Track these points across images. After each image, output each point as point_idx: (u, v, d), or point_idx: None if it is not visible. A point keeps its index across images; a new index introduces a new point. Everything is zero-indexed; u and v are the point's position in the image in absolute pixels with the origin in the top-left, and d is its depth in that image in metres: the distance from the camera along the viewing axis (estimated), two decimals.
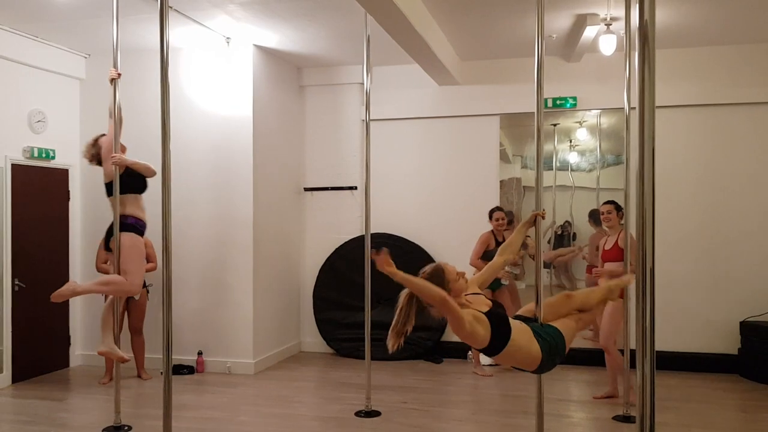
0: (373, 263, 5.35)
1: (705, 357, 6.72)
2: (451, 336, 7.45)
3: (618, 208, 5.54)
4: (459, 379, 6.56)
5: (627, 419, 5.05)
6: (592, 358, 6.82)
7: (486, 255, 6.39)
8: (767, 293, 6.60)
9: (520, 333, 3.08)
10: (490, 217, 6.60)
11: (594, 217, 6.86)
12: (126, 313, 6.41)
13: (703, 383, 6.27)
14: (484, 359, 7.07)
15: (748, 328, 6.47)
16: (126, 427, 4.92)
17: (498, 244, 6.40)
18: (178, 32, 6.26)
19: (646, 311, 1.72)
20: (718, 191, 6.78)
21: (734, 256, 6.70)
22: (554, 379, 6.28)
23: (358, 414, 5.28)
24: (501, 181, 7.39)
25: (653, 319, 1.72)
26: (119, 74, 4.89)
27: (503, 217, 6.51)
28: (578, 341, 7.05)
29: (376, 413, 5.28)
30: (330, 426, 5.05)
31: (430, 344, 7.30)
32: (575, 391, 6.16)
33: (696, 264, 6.57)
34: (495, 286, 6.40)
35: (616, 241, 5.42)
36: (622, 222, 5.41)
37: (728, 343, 6.68)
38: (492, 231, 6.60)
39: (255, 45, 6.71)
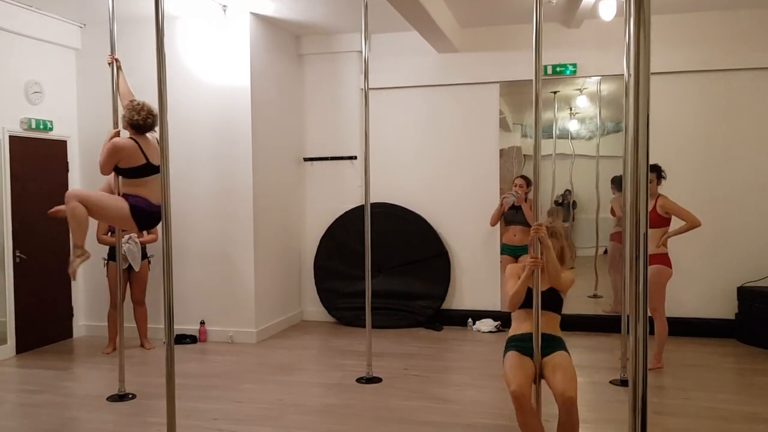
0: (373, 232, 5.40)
1: (703, 322, 6.78)
2: (451, 304, 7.53)
3: (659, 175, 5.54)
4: (459, 346, 6.63)
5: (624, 383, 5.11)
6: (592, 325, 6.89)
7: (505, 217, 6.94)
8: (765, 259, 6.64)
9: None
10: (513, 183, 6.89)
11: (616, 183, 6.85)
12: (128, 284, 6.46)
13: (700, 348, 6.34)
14: (485, 326, 7.15)
15: (745, 293, 6.52)
16: (130, 395, 5.00)
17: (512, 208, 6.80)
18: (174, 0, 6.19)
19: (639, 276, 1.74)
20: (715, 158, 6.77)
21: (732, 221, 6.72)
22: None
23: (359, 380, 5.35)
24: (501, 150, 7.37)
25: (646, 284, 1.74)
26: (116, 59, 4.91)
27: (521, 184, 6.76)
28: (590, 308, 7.13)
29: (378, 379, 5.35)
30: (332, 392, 5.12)
31: (431, 312, 7.37)
32: (573, 356, 6.20)
33: (694, 230, 6.59)
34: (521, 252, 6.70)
35: (654, 207, 5.42)
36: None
37: (726, 308, 6.74)
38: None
39: (252, 13, 6.64)
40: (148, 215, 4.65)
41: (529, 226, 6.66)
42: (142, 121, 4.59)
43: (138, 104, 4.65)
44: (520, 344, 3.72)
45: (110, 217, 4.75)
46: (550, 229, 3.73)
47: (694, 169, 6.77)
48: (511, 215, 6.82)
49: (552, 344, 3.70)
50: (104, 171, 4.63)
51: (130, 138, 4.62)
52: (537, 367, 3.62)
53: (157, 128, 4.52)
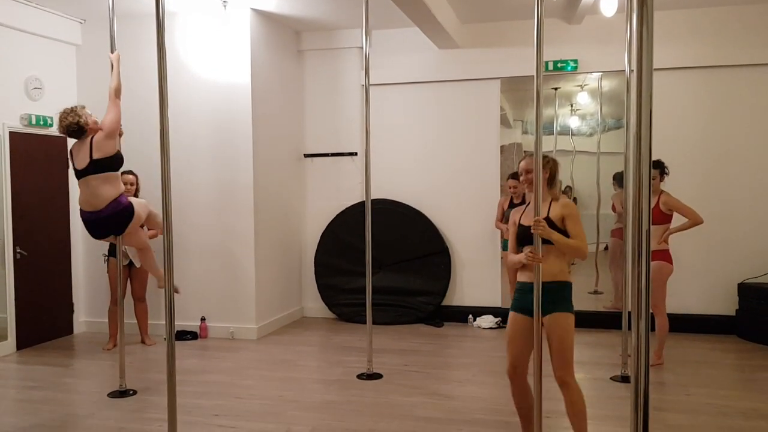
0: (373, 228, 5.40)
1: (703, 318, 6.78)
2: (451, 300, 7.53)
3: (661, 172, 5.53)
4: (460, 342, 6.63)
5: (625, 379, 5.12)
6: (593, 321, 6.90)
7: (505, 215, 6.73)
8: (765, 255, 6.64)
9: None
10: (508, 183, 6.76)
11: (617, 179, 6.86)
12: (129, 280, 6.46)
13: (701, 344, 6.34)
14: (486, 322, 7.15)
15: (746, 290, 6.52)
16: (131, 392, 5.00)
17: (512, 205, 6.63)
18: None
19: (641, 272, 1.73)
20: (717, 153, 6.77)
21: (733, 218, 6.71)
22: None
23: (360, 376, 5.36)
24: (501, 146, 7.37)
25: (648, 280, 1.73)
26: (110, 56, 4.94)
27: (514, 185, 6.61)
28: (590, 304, 7.13)
29: (378, 376, 5.36)
30: (333, 388, 5.12)
31: (431, 308, 7.37)
32: (574, 352, 6.21)
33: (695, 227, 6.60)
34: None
35: (657, 204, 5.42)
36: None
37: (726, 304, 6.74)
38: (511, 197, 6.74)
39: (252, 9, 6.62)
40: (87, 224, 4.77)
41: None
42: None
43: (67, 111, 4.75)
44: (520, 298, 3.58)
45: None
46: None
47: (696, 165, 6.76)
48: (510, 213, 6.80)
49: (552, 297, 3.43)
50: None
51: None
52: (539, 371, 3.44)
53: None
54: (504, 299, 7.30)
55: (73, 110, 4.66)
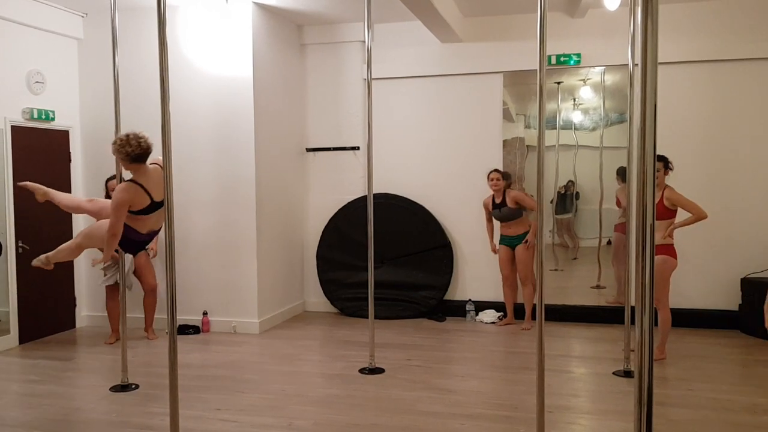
0: (375, 223, 5.39)
1: (706, 313, 6.77)
2: (454, 295, 7.52)
3: (666, 166, 5.51)
4: (462, 337, 6.63)
5: (627, 374, 5.11)
6: (595, 316, 6.90)
7: (494, 216, 6.99)
8: None
9: None
10: (488, 178, 6.90)
11: (621, 173, 6.85)
12: (139, 271, 6.47)
13: (703, 339, 6.33)
14: (488, 317, 7.15)
15: (749, 285, 6.51)
16: (133, 386, 5.01)
17: (495, 205, 6.90)
18: None
19: (645, 267, 1.72)
20: (721, 148, 6.74)
21: (736, 212, 6.69)
22: (556, 336, 6.36)
23: (362, 371, 5.36)
24: (504, 141, 7.35)
25: (652, 275, 1.72)
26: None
27: (498, 177, 6.82)
28: (593, 299, 7.14)
29: (380, 370, 5.36)
30: (335, 383, 5.13)
31: (434, 303, 7.37)
32: (576, 347, 6.23)
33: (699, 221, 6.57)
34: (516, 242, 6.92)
35: (661, 198, 5.40)
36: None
37: (729, 299, 6.72)
38: (492, 195, 6.93)
39: (254, 2, 6.60)
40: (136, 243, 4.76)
41: (515, 218, 6.76)
42: (137, 149, 4.32)
43: (122, 138, 4.34)
44: None
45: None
46: None
47: (700, 160, 6.73)
48: (496, 214, 6.90)
49: None
50: (117, 229, 4.36)
51: (132, 181, 4.37)
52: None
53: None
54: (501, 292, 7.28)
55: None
